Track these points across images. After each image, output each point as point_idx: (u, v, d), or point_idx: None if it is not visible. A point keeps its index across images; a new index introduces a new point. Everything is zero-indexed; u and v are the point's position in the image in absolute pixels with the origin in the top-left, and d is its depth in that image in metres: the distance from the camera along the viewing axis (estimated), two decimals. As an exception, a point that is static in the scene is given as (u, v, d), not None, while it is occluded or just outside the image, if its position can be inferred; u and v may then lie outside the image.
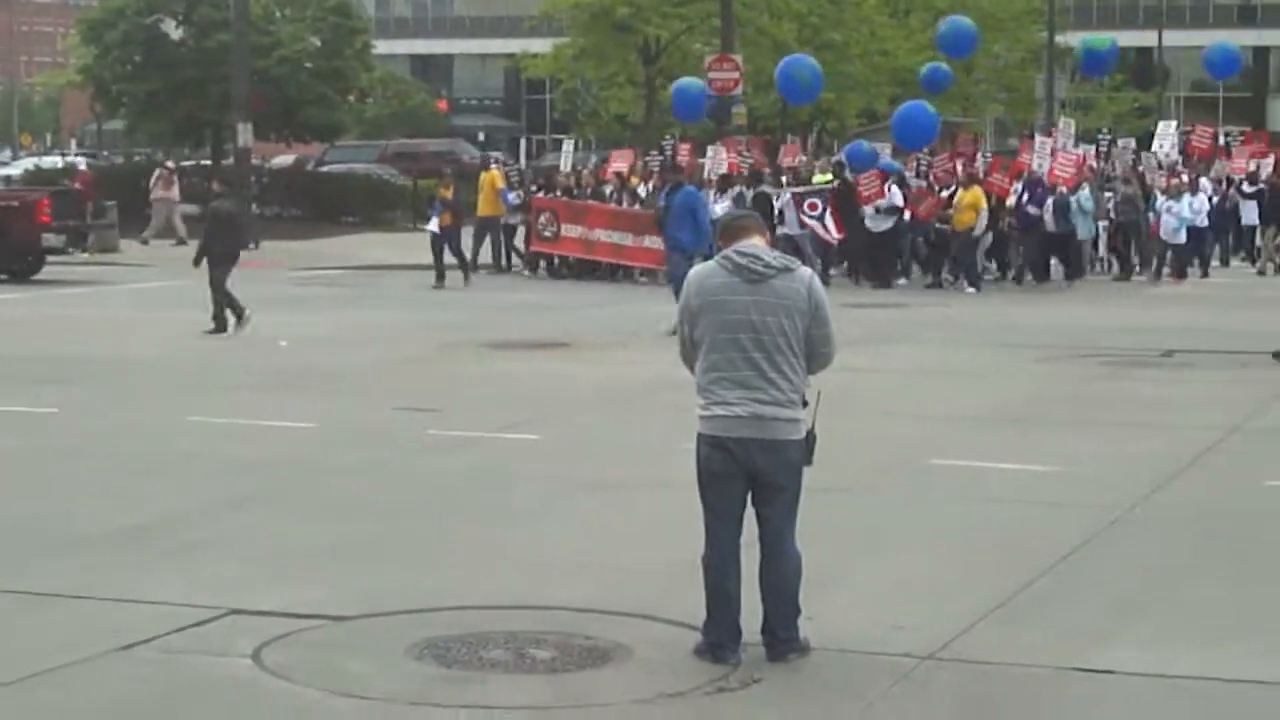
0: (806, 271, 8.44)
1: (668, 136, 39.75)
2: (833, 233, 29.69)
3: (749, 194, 30.08)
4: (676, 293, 21.87)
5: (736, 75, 39.02)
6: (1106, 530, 11.32)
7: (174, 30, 45.65)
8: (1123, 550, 10.86)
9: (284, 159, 58.25)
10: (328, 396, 17.29)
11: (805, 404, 8.33)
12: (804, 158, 36.19)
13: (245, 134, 39.51)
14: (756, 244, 8.41)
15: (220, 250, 22.34)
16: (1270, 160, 38.66)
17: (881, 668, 8.34)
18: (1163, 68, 71.56)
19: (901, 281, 30.69)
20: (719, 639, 8.31)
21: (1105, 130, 43.35)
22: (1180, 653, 8.67)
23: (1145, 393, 17.81)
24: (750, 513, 8.36)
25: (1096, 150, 37.26)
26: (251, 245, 38.55)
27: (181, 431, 15.02)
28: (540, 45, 61.54)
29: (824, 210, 29.75)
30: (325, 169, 53.42)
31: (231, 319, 22.14)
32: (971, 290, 29.73)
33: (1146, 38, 73.90)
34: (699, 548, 8.40)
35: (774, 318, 8.22)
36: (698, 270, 8.55)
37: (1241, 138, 41.39)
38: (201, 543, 10.94)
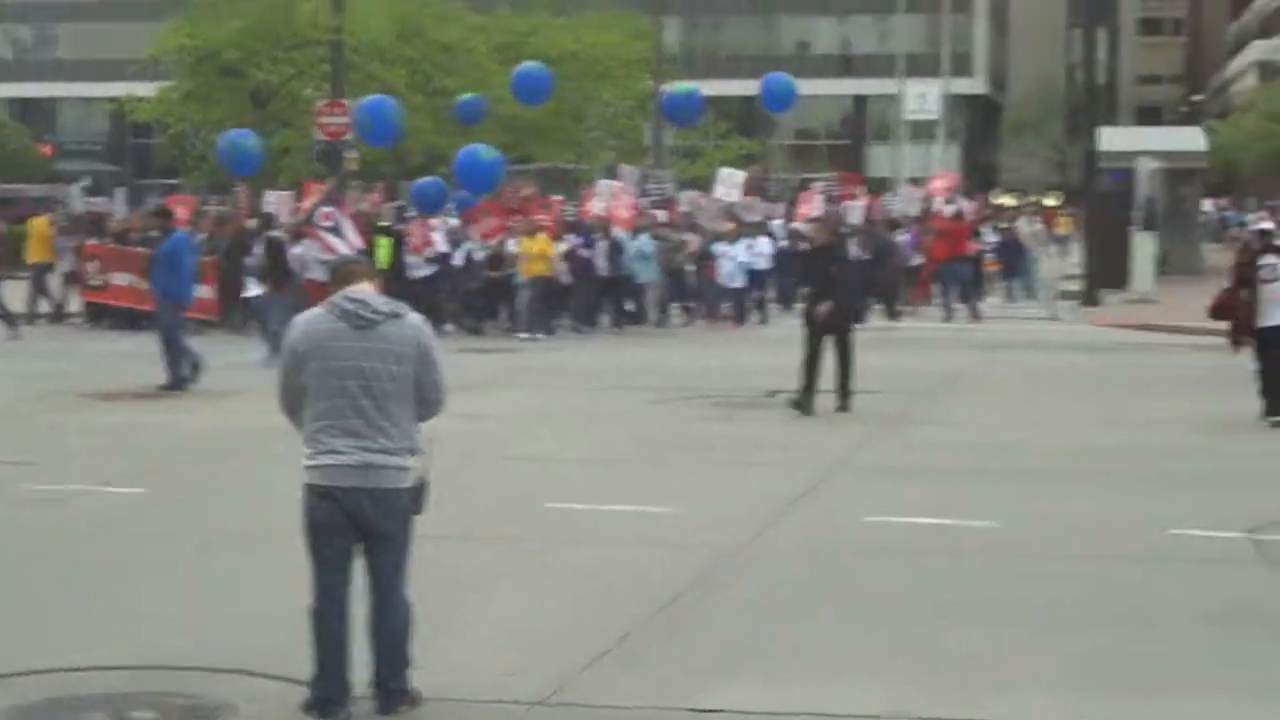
0: (416, 317, 8.34)
1: (237, 184, 38.86)
2: (353, 241, 28.84)
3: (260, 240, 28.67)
4: (168, 341, 21.46)
5: (347, 120, 38.67)
6: (717, 570, 11.44)
7: None
8: (734, 589, 10.99)
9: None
10: (-82, 452, 16.52)
11: (416, 451, 8.21)
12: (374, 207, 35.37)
13: None
14: (365, 289, 8.28)
15: None
16: (861, 204, 40.00)
17: (492, 716, 8.26)
18: (766, 116, 73.33)
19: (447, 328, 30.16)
20: (327, 693, 8.12)
21: (661, 179, 44.22)
22: (792, 690, 8.77)
23: (753, 432, 18.15)
24: (360, 562, 8.21)
25: (649, 196, 37.79)
26: None
27: None
28: (146, 89, 60.23)
29: (340, 222, 28.93)
30: (-81, 216, 51.28)
31: None
32: (542, 337, 29.45)
33: (750, 87, 75.59)
34: (307, 600, 8.21)
35: (383, 364, 8.10)
36: (304, 316, 8.38)
37: (837, 182, 42.81)
38: None
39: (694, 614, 10.32)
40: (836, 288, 19.62)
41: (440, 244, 30.92)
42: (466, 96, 39.87)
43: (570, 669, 8.96)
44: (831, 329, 19.52)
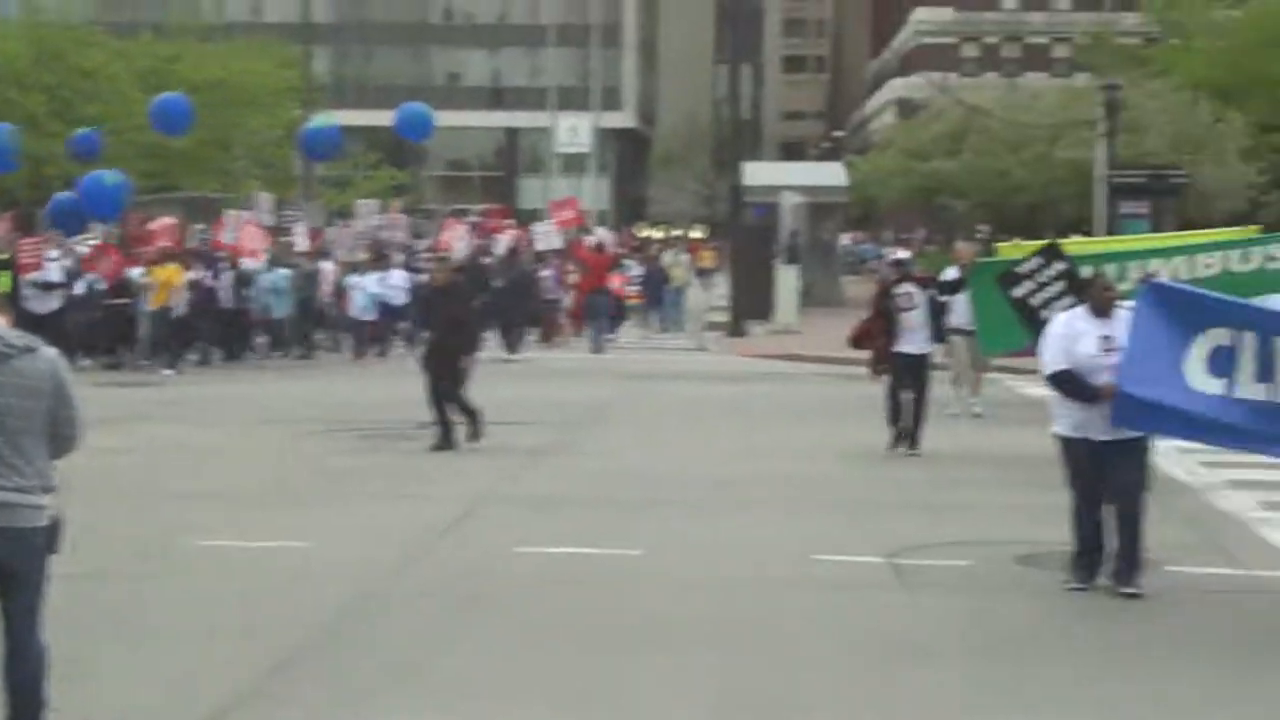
0: (51, 351, 8.10)
1: None
2: None
3: None
4: None
5: (-18, 147, 37.44)
6: (364, 603, 11.34)
7: None
8: (381, 622, 10.90)
9: None
10: None
11: (51, 489, 7.97)
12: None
13: None
14: (-1, 323, 8.03)
15: None
16: (508, 236, 40.20)
17: (133, 759, 8.07)
18: (416, 147, 73.22)
19: (84, 362, 28.74)
20: (-43, 740, 7.84)
21: (296, 206, 43.92)
22: (437, 723, 8.75)
23: (400, 464, 18.06)
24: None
25: (279, 225, 37.46)
26: None
27: None
28: None
29: None
30: None
31: None
32: (169, 373, 28.53)
33: (402, 117, 75.29)
34: (-65, 644, 7.92)
35: (16, 399, 7.84)
36: (-70, 350, 8.07)
37: (484, 215, 42.97)
38: None
39: (341, 649, 10.21)
40: (457, 329, 19.40)
41: (53, 274, 29.89)
42: (81, 131, 38.94)
43: (217, 708, 8.80)
44: (445, 373, 19.31)
